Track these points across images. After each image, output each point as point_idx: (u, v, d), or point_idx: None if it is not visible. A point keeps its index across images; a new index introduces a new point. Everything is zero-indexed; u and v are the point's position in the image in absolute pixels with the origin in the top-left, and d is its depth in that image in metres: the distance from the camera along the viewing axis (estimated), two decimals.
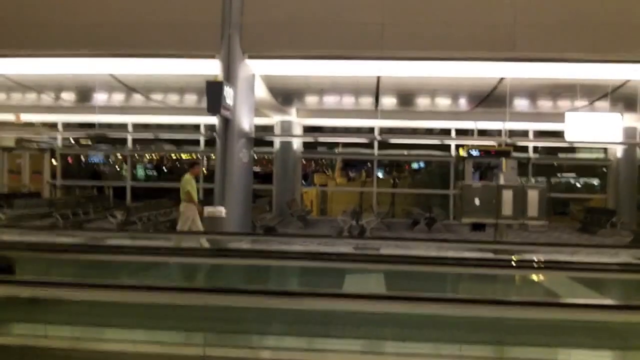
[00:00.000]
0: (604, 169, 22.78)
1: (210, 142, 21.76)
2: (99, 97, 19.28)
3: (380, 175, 24.55)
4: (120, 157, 25.71)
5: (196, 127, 23.04)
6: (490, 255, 8.90)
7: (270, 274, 8.42)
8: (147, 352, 5.37)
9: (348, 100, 19.61)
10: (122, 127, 23.07)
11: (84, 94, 20.02)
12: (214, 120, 14.77)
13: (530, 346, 6.16)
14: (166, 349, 5.44)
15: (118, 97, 20.01)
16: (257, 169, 24.99)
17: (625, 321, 5.77)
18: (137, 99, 19.86)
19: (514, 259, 7.90)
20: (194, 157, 25.13)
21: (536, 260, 7.81)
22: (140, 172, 26.44)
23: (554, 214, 22.04)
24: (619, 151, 21.47)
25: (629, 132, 19.93)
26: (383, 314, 6.34)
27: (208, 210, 11.95)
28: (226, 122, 13.45)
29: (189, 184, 12.03)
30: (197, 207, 12.22)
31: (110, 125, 22.72)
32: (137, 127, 23.28)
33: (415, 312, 6.05)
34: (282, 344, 5.78)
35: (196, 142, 23.35)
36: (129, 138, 23.45)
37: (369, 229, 15.97)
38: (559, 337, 6.35)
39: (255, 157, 21.87)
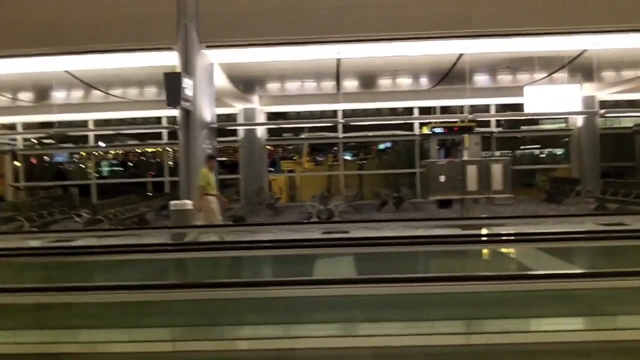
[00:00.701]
0: (567, 139, 23.13)
1: (174, 135, 21.55)
2: (57, 95, 18.94)
3: (347, 157, 24.59)
4: (84, 154, 25.30)
5: (158, 120, 22.79)
6: (456, 232, 8.99)
7: (240, 264, 8.40)
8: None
9: (310, 85, 19.59)
10: (83, 124, 22.70)
11: (41, 92, 19.66)
12: (175, 112, 14.61)
13: (504, 318, 6.27)
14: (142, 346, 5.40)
15: (77, 94, 19.71)
16: (223, 158, 24.85)
17: (595, 287, 5.90)
18: (97, 94, 19.58)
19: (478, 234, 7.99)
20: (160, 150, 24.81)
21: (500, 233, 7.92)
22: (105, 168, 26.07)
23: (521, 186, 22.35)
24: (579, 120, 21.81)
25: (588, 101, 20.23)
26: (355, 297, 6.39)
27: (174, 203, 11.85)
28: (187, 114, 13.32)
29: (203, 178, 11.99)
30: (218, 198, 12.21)
31: (70, 123, 22.32)
32: (99, 123, 22.96)
33: (386, 292, 6.10)
34: (260, 332, 5.79)
35: (159, 136, 23.12)
36: (91, 135, 23.11)
37: (337, 213, 16.00)
38: (530, 307, 6.46)
39: (221, 147, 21.73)
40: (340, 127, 22.20)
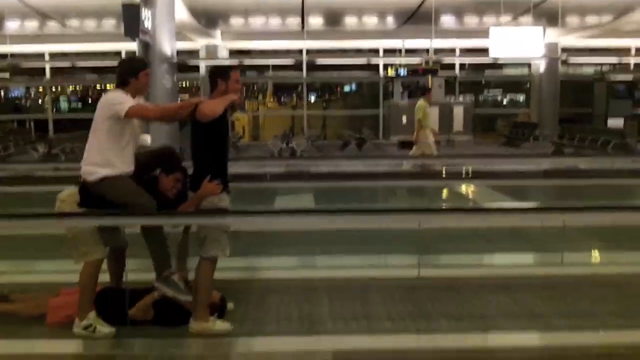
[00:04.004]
0: (528, 85, 23.29)
1: None
2: (10, 26, 18.26)
3: (312, 99, 24.43)
4: (42, 89, 24.59)
5: (118, 54, 22.19)
6: (415, 169, 9.09)
7: None
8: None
9: (274, 22, 19.22)
10: (39, 56, 22.01)
11: None
12: (135, 46, 14.23)
13: (456, 253, 6.39)
14: None
15: (31, 25, 19.02)
16: (186, 96, 24.49)
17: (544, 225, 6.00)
18: (52, 26, 18.93)
19: (434, 171, 8.07)
20: None
21: (457, 171, 8.01)
22: (63, 104, 25.46)
23: (482, 130, 22.56)
24: (541, 66, 21.90)
25: (551, 48, 20.31)
26: (317, 231, 6.44)
27: None
28: (146, 47, 12.98)
29: (421, 110, 11.57)
30: (433, 132, 11.84)
31: (25, 56, 21.65)
32: (56, 56, 22.29)
33: (345, 226, 6.14)
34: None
35: None
36: (47, 67, 22.45)
37: (299, 151, 15.98)
38: (482, 243, 6.59)
39: (184, 84, 21.37)
40: (304, 67, 21.93)
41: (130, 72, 4.22)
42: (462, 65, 22.70)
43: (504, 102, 25.73)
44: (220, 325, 4.27)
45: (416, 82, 19.01)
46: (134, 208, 4.16)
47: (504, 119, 23.84)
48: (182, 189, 4.43)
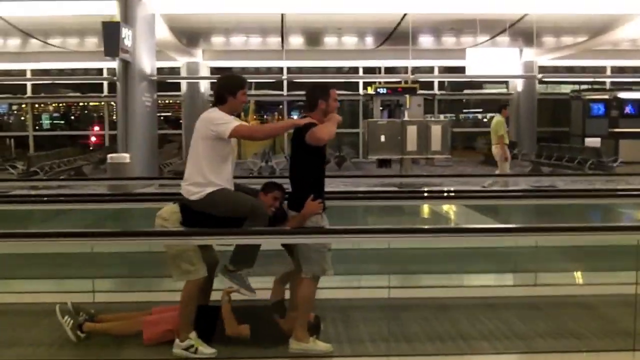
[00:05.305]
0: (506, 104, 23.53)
1: (115, 88, 21.10)
2: None
3: (294, 116, 24.54)
4: (24, 106, 24.51)
5: (99, 72, 22.21)
6: (391, 188, 9.15)
7: None
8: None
9: (255, 41, 19.40)
10: (21, 74, 22.00)
11: None
12: (115, 64, 14.27)
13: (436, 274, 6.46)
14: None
15: (13, 43, 19.04)
16: (167, 113, 24.59)
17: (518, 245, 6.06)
18: (35, 43, 18.94)
19: (408, 191, 8.12)
20: (102, 103, 24.15)
21: (433, 190, 8.06)
22: (45, 121, 25.34)
23: (463, 149, 22.80)
24: (519, 85, 22.20)
25: (528, 66, 20.60)
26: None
27: (111, 156, 11.69)
28: (126, 65, 13.05)
29: (501, 126, 11.60)
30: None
31: (7, 73, 21.62)
32: (37, 73, 22.27)
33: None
34: None
35: (101, 88, 22.58)
36: (29, 85, 22.43)
37: (278, 170, 16.07)
38: (461, 262, 6.63)
39: (167, 102, 21.43)
40: (285, 85, 22.06)
41: (229, 90, 4.22)
42: (441, 85, 22.97)
43: (484, 121, 25.98)
44: (323, 345, 4.24)
45: (396, 101, 19.20)
46: (251, 214, 4.10)
47: (483, 137, 24.09)
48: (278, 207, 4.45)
